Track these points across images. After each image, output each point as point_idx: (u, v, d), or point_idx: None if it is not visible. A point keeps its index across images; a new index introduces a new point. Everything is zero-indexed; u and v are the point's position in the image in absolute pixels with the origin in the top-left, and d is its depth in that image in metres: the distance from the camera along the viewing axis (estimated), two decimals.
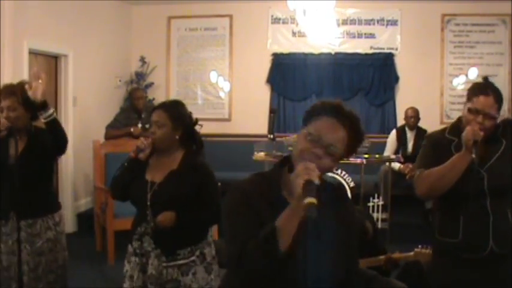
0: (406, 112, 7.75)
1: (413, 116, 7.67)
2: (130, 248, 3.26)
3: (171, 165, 3.24)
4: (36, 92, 3.32)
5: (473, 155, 2.70)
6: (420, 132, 7.53)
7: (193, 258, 3.23)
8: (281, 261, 1.78)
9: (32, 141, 3.54)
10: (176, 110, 3.30)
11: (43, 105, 3.35)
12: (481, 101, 2.80)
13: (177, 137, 3.24)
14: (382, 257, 3.73)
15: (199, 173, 3.24)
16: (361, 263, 3.67)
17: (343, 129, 1.93)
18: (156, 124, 3.20)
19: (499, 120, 2.90)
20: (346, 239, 1.93)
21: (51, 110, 3.41)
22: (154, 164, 3.27)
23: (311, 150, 1.88)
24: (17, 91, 3.47)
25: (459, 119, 2.98)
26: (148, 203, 3.17)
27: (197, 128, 3.40)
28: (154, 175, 3.23)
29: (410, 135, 7.72)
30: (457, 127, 2.95)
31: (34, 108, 3.44)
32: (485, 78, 2.98)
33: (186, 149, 3.30)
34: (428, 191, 2.93)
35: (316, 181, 1.73)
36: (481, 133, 2.72)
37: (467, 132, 2.73)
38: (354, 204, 2.13)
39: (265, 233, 1.79)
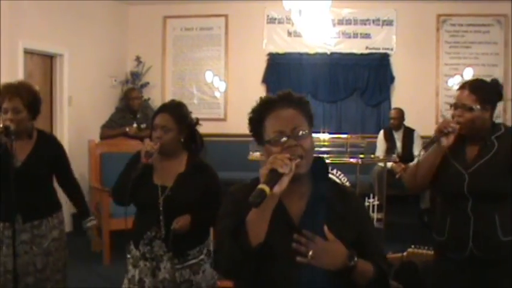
0: (389, 113, 7.87)
1: (395, 117, 7.81)
2: (136, 252, 3.24)
3: (178, 168, 3.23)
4: None
5: (442, 144, 2.76)
6: (407, 132, 7.67)
7: (202, 256, 3.27)
8: (253, 255, 1.78)
9: (38, 144, 3.53)
10: (181, 112, 3.27)
11: None
12: (458, 95, 2.91)
13: (182, 139, 3.24)
14: None
15: (205, 174, 3.26)
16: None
17: (293, 110, 1.93)
18: (162, 129, 3.17)
19: (498, 121, 2.94)
20: (341, 239, 1.88)
21: None
22: (160, 167, 3.25)
23: (286, 147, 1.86)
24: (21, 92, 3.42)
25: None
26: (161, 208, 3.15)
27: (197, 127, 3.40)
28: (164, 179, 3.21)
29: (397, 135, 7.80)
30: None
31: (36, 109, 3.44)
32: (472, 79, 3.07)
33: (189, 151, 3.30)
34: (407, 183, 3.04)
35: (281, 170, 1.72)
36: (456, 126, 2.76)
37: (440, 124, 2.82)
38: (361, 205, 2.10)
39: (234, 228, 1.80)
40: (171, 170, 3.23)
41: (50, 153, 3.60)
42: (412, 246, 3.66)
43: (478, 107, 2.82)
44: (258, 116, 1.96)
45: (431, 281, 3.09)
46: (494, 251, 2.83)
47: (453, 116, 2.87)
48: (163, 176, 3.22)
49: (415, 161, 3.03)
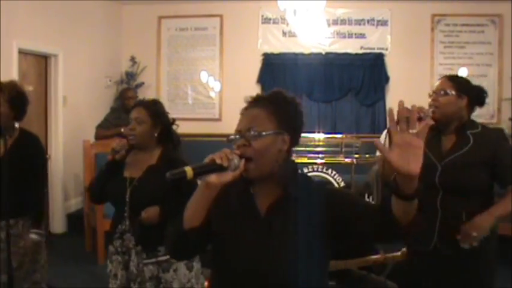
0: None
1: None
2: (111, 248, 3.27)
3: (150, 161, 3.26)
4: None
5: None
6: None
7: None
8: (186, 238, 1.85)
9: (18, 143, 3.52)
10: (155, 108, 3.35)
11: None
12: (436, 83, 3.04)
13: (155, 134, 3.28)
14: (374, 257, 3.74)
15: (176, 166, 3.24)
16: (351, 264, 3.69)
17: (259, 109, 1.92)
18: (136, 120, 3.22)
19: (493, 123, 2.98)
20: (307, 238, 1.87)
21: None
22: (132, 161, 3.29)
23: (236, 146, 1.87)
24: (4, 88, 3.44)
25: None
26: (127, 199, 3.16)
27: (174, 127, 3.44)
28: (133, 171, 3.24)
29: None
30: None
31: (20, 108, 3.43)
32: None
33: (163, 147, 3.33)
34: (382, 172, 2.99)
35: (218, 161, 1.74)
36: (430, 110, 2.79)
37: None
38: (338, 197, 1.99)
39: (175, 213, 1.90)
40: (142, 163, 3.25)
41: (27, 153, 3.56)
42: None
43: (453, 92, 2.87)
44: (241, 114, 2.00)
45: (403, 275, 3.10)
46: (457, 246, 2.85)
47: (430, 106, 2.93)
48: (133, 169, 3.26)
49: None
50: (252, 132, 1.86)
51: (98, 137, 7.30)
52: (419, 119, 2.72)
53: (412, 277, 3.03)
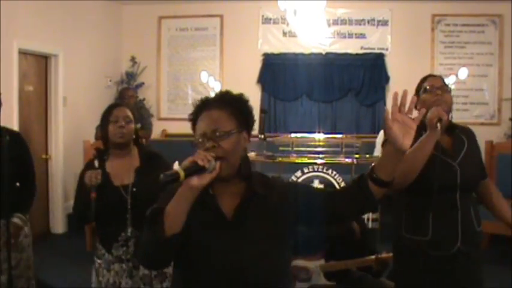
0: None
1: None
2: (108, 257, 3.21)
3: (133, 164, 3.24)
4: None
5: (438, 129, 2.71)
6: None
7: None
8: (166, 245, 1.79)
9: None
10: (132, 108, 3.41)
11: None
12: (431, 80, 2.98)
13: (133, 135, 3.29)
14: (372, 257, 3.74)
15: (160, 164, 3.24)
16: (350, 264, 3.69)
17: (219, 110, 1.93)
18: (124, 119, 3.19)
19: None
20: (273, 236, 1.93)
21: None
22: (115, 168, 3.22)
23: (205, 149, 1.85)
24: None
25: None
26: (129, 207, 3.13)
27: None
28: (122, 178, 3.19)
29: None
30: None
31: None
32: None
33: (137, 146, 3.33)
34: (403, 178, 2.86)
35: (201, 162, 1.73)
36: (445, 115, 2.75)
37: (433, 111, 2.75)
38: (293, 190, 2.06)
39: (152, 216, 1.84)
40: (126, 168, 3.22)
41: (13, 151, 3.52)
42: None
43: (450, 90, 2.95)
44: (193, 118, 2.00)
45: (408, 283, 3.05)
46: (474, 243, 2.87)
47: (426, 100, 2.89)
48: (120, 176, 3.20)
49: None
50: (218, 133, 1.88)
51: (97, 137, 7.30)
52: (440, 121, 2.72)
53: (416, 279, 3.00)
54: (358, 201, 1.99)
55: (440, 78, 2.99)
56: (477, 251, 2.92)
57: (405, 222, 2.99)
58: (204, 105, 1.98)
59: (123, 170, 3.21)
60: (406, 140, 1.83)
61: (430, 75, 3.07)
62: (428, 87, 2.93)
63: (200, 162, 1.73)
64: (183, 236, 1.80)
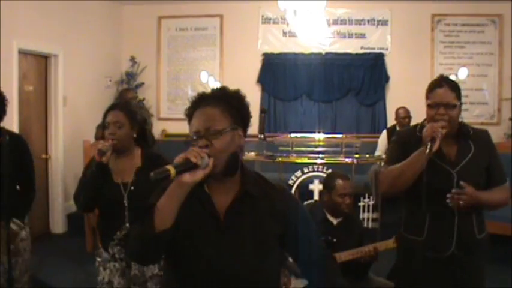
0: (397, 112, 7.69)
1: (406, 116, 7.57)
2: (105, 255, 3.23)
3: (135, 164, 3.24)
4: None
5: (427, 151, 2.68)
6: None
7: None
8: (157, 241, 1.79)
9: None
10: (130, 108, 3.36)
11: None
12: (438, 93, 2.84)
13: (134, 135, 3.27)
14: (365, 247, 3.74)
15: (160, 163, 3.24)
16: (343, 255, 3.68)
17: (213, 108, 1.91)
18: (115, 125, 3.18)
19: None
20: (260, 240, 1.93)
21: None
22: (117, 166, 3.24)
23: (199, 147, 1.84)
24: None
25: None
26: (126, 205, 3.15)
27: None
28: (123, 176, 3.21)
29: None
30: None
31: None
32: (441, 75, 3.03)
33: (141, 147, 3.32)
34: (389, 187, 2.92)
35: (193, 159, 1.73)
36: (443, 131, 2.72)
37: (427, 129, 2.74)
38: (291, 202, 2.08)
39: (143, 211, 1.83)
40: (127, 167, 3.23)
41: (15, 153, 3.50)
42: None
43: (458, 103, 2.85)
44: (189, 115, 1.97)
45: (404, 281, 3.07)
46: (472, 249, 2.86)
47: (430, 116, 2.84)
48: (121, 174, 3.22)
49: (389, 168, 2.93)
50: (211, 132, 1.87)
51: (98, 137, 7.30)
52: (433, 140, 2.69)
53: (414, 278, 3.01)
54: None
55: (450, 90, 2.84)
56: (477, 258, 2.90)
57: (404, 221, 3.03)
58: (199, 102, 1.95)
59: (124, 168, 3.23)
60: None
61: (438, 85, 2.87)
62: (432, 103, 2.85)
63: (193, 159, 1.73)
64: (174, 232, 1.80)
